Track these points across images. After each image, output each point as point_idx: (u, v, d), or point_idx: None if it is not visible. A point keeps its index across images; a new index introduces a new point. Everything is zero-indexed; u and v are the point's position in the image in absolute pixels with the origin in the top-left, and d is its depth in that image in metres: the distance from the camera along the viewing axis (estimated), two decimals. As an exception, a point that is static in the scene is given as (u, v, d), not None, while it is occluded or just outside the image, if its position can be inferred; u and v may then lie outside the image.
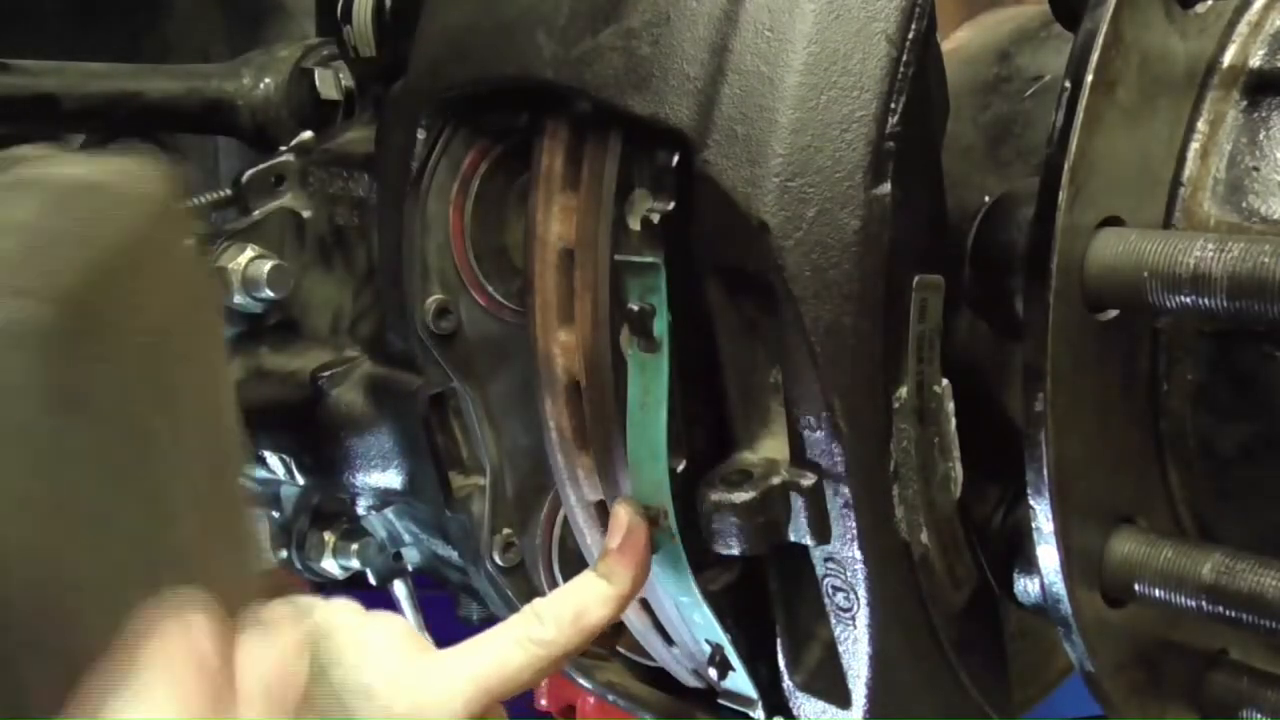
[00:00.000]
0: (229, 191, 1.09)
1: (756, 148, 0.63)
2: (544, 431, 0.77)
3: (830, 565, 0.68)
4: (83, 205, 0.44)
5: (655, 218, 0.66)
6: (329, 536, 1.08)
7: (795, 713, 0.75)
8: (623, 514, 0.71)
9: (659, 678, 0.86)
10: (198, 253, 0.49)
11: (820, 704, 0.73)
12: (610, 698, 0.88)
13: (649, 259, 0.67)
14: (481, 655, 0.64)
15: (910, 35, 0.64)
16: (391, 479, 0.91)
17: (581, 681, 0.89)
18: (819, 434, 0.65)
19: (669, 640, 0.80)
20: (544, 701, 1.97)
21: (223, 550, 0.50)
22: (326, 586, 1.09)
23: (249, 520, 0.53)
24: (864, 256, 0.63)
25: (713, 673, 0.76)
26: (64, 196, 0.44)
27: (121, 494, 0.45)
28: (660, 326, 0.67)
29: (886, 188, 0.63)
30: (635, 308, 0.67)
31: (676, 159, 0.66)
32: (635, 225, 0.68)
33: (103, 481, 0.44)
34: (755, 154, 0.63)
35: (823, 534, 0.67)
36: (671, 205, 0.66)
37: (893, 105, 0.63)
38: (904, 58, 0.63)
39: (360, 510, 0.98)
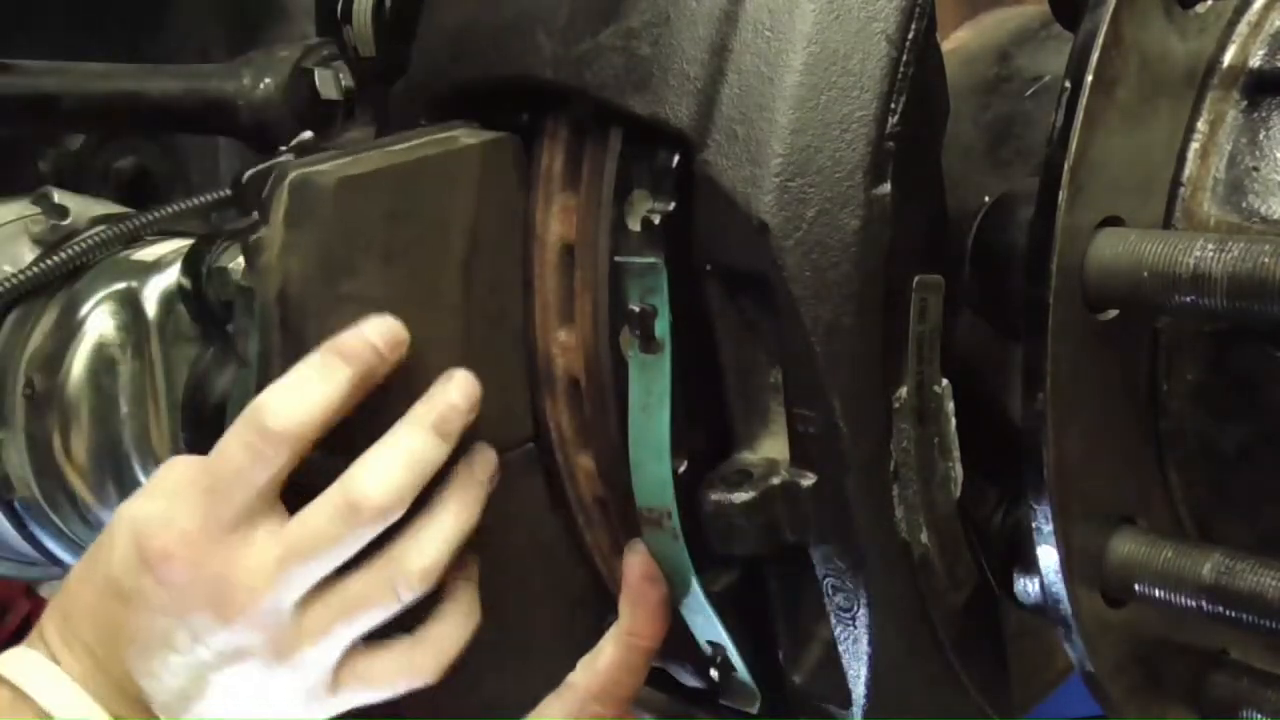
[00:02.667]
0: (229, 192, 1.09)
1: (756, 148, 0.63)
2: (544, 431, 0.77)
3: (830, 565, 0.68)
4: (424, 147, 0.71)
5: (656, 219, 0.66)
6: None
7: (795, 712, 0.75)
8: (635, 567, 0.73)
9: (659, 678, 0.85)
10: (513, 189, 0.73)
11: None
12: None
13: (650, 260, 0.67)
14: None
15: (910, 35, 0.64)
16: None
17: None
18: (819, 434, 0.65)
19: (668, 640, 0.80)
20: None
21: (493, 378, 0.70)
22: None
23: (517, 374, 0.74)
24: (864, 257, 0.63)
25: (714, 673, 0.76)
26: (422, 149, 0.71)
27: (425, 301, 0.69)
28: (662, 328, 0.67)
29: (886, 188, 0.63)
30: (636, 309, 0.67)
31: (677, 159, 0.66)
32: (635, 226, 0.68)
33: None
34: (755, 154, 0.63)
35: (822, 534, 0.67)
36: (672, 206, 0.66)
37: (893, 105, 0.63)
38: (904, 58, 0.63)
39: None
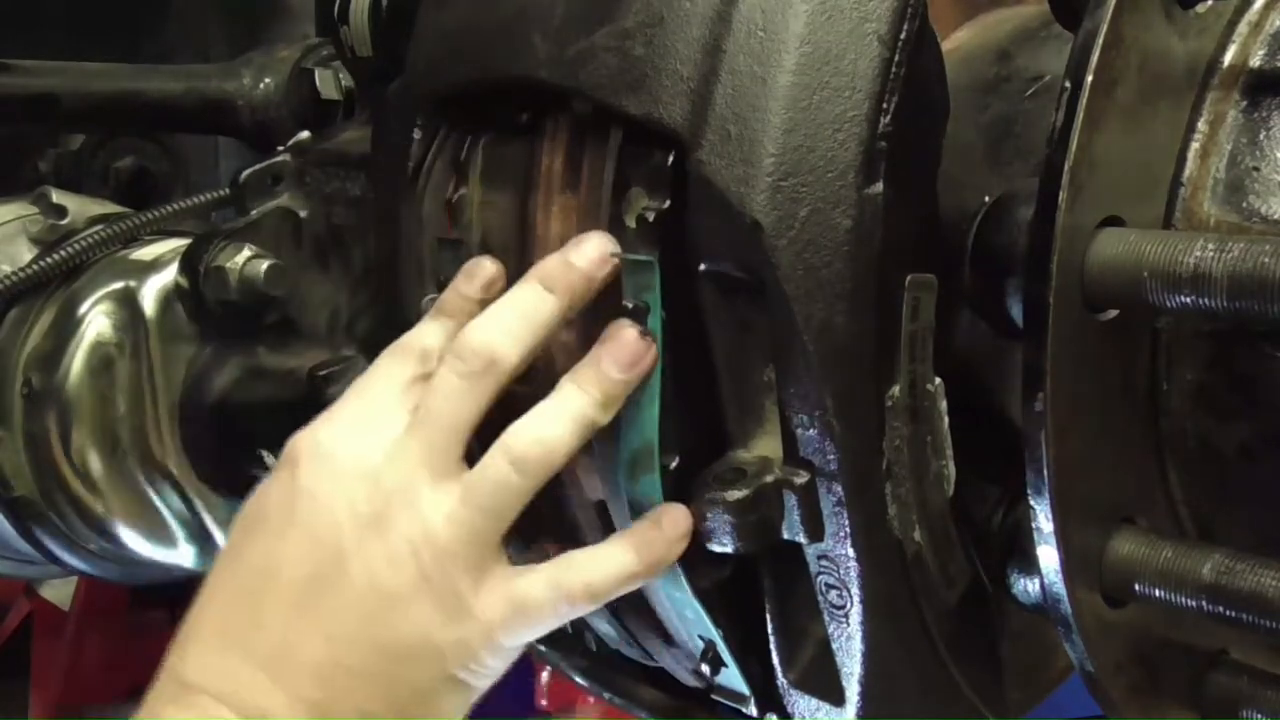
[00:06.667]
0: (228, 191, 1.09)
1: (749, 147, 0.63)
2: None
3: (823, 563, 0.68)
4: None
5: (650, 216, 0.66)
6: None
7: (789, 710, 0.75)
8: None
9: (659, 678, 0.85)
10: None
11: (814, 701, 0.73)
12: (610, 697, 0.88)
13: (644, 257, 0.67)
14: None
15: (903, 35, 0.64)
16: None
17: (581, 681, 0.89)
18: (812, 432, 0.65)
19: (668, 640, 0.80)
20: (544, 701, 1.97)
21: None
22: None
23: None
24: (856, 256, 0.63)
25: (705, 669, 0.76)
26: None
27: None
28: (654, 324, 0.67)
29: (879, 187, 0.63)
30: (630, 305, 0.67)
31: (671, 158, 0.66)
32: (631, 224, 0.68)
33: None
34: (748, 154, 0.63)
35: (816, 532, 0.67)
36: (666, 204, 0.66)
37: (885, 105, 0.63)
38: (896, 58, 0.63)
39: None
